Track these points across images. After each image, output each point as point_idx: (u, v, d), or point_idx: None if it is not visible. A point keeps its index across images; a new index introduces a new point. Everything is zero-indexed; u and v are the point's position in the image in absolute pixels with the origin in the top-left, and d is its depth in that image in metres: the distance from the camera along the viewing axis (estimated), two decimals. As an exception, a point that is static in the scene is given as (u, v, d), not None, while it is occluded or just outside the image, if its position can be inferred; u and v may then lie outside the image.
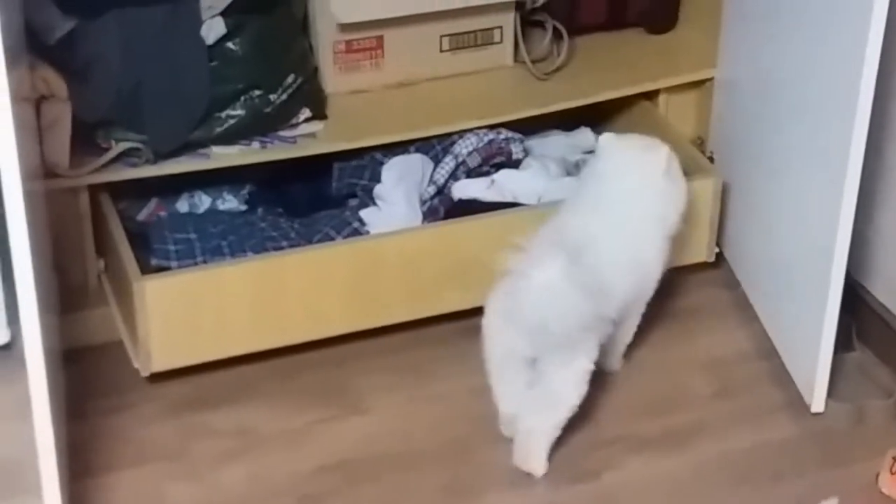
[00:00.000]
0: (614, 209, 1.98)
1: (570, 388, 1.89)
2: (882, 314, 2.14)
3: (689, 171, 2.21)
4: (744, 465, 1.96)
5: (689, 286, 2.26)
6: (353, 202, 2.21)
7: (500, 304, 1.89)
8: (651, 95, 2.38)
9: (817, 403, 2.02)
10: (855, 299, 2.12)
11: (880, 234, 2.13)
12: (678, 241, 2.08)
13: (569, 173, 2.26)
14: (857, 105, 1.82)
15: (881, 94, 1.84)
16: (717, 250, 2.28)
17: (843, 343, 2.04)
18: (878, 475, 1.91)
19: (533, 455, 1.91)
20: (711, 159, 2.33)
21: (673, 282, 2.08)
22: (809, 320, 2.00)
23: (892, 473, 1.90)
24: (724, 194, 2.24)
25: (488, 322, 1.91)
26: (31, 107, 1.95)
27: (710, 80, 2.34)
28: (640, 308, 2.04)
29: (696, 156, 2.29)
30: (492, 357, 1.91)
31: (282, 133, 2.16)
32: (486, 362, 1.92)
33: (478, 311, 2.08)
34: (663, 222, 2.01)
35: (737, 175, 2.25)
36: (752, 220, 2.22)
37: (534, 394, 1.89)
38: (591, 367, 1.89)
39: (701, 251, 2.26)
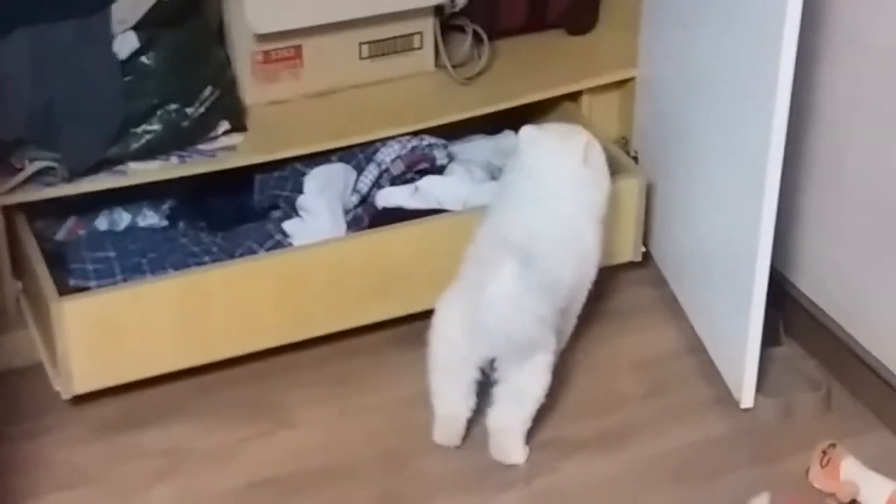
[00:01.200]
0: (548, 203, 1.99)
1: (534, 382, 1.93)
2: (808, 307, 2.16)
3: (613, 171, 2.22)
4: (677, 464, 1.97)
5: (617, 286, 2.27)
6: (275, 214, 2.20)
7: (454, 313, 1.90)
8: (574, 96, 2.39)
9: (746, 399, 2.04)
10: (781, 294, 2.14)
11: (803, 227, 2.15)
12: (604, 241, 2.08)
13: (493, 177, 2.26)
14: (775, 99, 1.83)
15: (798, 85, 1.85)
16: (643, 249, 2.30)
17: (770, 338, 2.06)
18: (808, 469, 1.93)
19: (511, 449, 1.95)
20: (636, 159, 2.35)
21: (601, 282, 2.09)
22: (736, 316, 2.01)
23: (822, 467, 1.91)
24: (648, 193, 2.27)
25: (442, 330, 1.93)
26: None
27: (632, 79, 2.36)
28: (583, 297, 2.06)
29: (621, 155, 2.31)
30: (443, 362, 1.93)
31: (201, 147, 2.14)
32: (434, 367, 1.94)
33: (405, 320, 2.14)
34: (594, 208, 2.02)
35: (661, 173, 2.26)
36: (676, 218, 2.24)
37: (500, 391, 1.92)
38: (552, 357, 1.93)
39: (627, 251, 2.28)
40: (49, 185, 2.04)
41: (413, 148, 2.21)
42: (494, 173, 2.28)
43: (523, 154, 2.02)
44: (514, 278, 1.81)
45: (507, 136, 2.39)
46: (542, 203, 1.98)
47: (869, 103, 1.98)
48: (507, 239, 1.90)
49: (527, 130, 2.03)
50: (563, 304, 1.96)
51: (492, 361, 1.92)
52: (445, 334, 1.92)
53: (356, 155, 2.22)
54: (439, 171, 2.24)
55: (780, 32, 1.78)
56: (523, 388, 1.93)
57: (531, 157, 2.01)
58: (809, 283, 2.17)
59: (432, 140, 2.24)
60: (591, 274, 2.03)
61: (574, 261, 1.98)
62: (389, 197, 2.19)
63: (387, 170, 2.20)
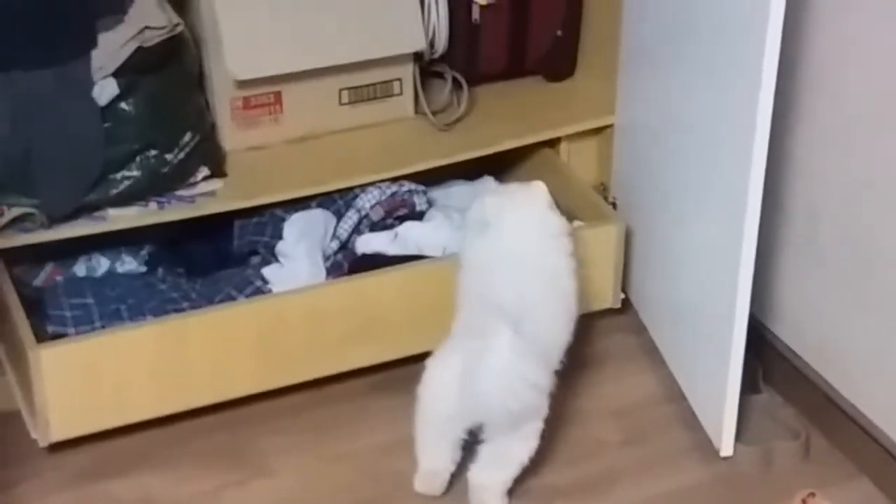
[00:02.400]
0: (531, 262, 1.98)
1: (522, 448, 1.94)
2: (787, 355, 2.17)
3: (592, 218, 2.26)
4: None
5: (596, 332, 2.27)
6: (254, 260, 2.20)
7: (447, 376, 1.90)
8: (552, 143, 2.41)
9: (726, 447, 2.03)
10: (760, 342, 2.14)
11: (782, 275, 2.16)
12: (584, 287, 2.08)
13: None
14: (753, 147, 1.84)
15: (775, 133, 1.86)
16: (622, 296, 2.30)
17: (749, 386, 2.06)
18: None
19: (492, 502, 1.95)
20: (614, 205, 2.35)
21: (580, 328, 2.07)
22: (715, 364, 2.01)
23: None
24: (627, 239, 2.27)
25: (432, 390, 1.92)
26: None
27: (610, 126, 2.36)
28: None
29: (599, 202, 2.32)
30: (431, 421, 1.93)
31: (180, 192, 2.14)
32: (421, 423, 1.94)
33: (384, 366, 2.14)
34: (570, 259, 2.02)
35: (640, 220, 2.27)
36: (655, 265, 2.24)
37: (487, 451, 1.92)
38: (542, 424, 1.92)
39: (606, 297, 2.28)
40: (27, 231, 2.04)
41: (392, 194, 2.22)
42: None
43: (495, 219, 2.01)
44: (510, 349, 1.81)
45: (486, 182, 2.41)
46: (525, 263, 1.97)
47: (845, 151, 1.99)
48: (498, 305, 1.88)
49: (491, 200, 2.05)
50: (557, 365, 1.96)
51: (480, 426, 1.91)
52: (436, 394, 1.91)
53: (336, 201, 2.23)
54: (419, 216, 2.25)
55: (758, 80, 1.79)
56: (510, 452, 1.93)
57: (506, 221, 2.00)
58: (788, 331, 2.17)
59: (412, 186, 2.25)
60: (572, 328, 2.03)
61: (565, 317, 1.99)
62: (369, 243, 2.19)
63: (366, 216, 2.21)
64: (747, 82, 1.82)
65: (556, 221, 2.03)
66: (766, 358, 2.16)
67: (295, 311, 2.07)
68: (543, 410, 1.92)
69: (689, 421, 2.10)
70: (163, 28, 2.04)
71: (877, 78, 1.90)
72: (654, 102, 2.19)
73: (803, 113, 2.03)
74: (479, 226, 2.02)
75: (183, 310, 2.07)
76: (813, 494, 1.92)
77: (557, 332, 1.97)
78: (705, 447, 2.05)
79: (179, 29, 2.08)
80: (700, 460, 2.04)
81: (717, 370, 2.00)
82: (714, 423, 2.04)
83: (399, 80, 2.32)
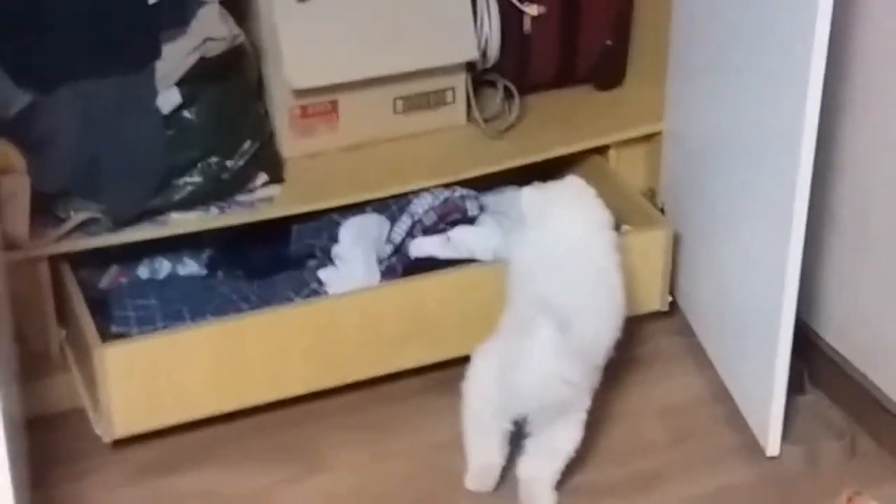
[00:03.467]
0: (583, 261, 1.98)
1: (566, 438, 1.93)
2: (833, 357, 2.15)
3: (640, 223, 2.25)
4: None
5: (645, 335, 2.26)
6: (311, 263, 2.20)
7: (490, 370, 1.90)
8: (602, 150, 2.39)
9: (772, 447, 2.02)
10: (806, 343, 2.12)
11: (828, 279, 2.14)
12: (632, 290, 2.08)
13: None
14: (800, 153, 1.82)
15: (823, 136, 1.85)
16: (670, 299, 2.29)
17: (795, 386, 2.04)
18: None
19: (540, 498, 1.94)
20: (663, 210, 2.34)
21: (629, 330, 2.06)
22: (762, 365, 2.00)
23: None
24: (675, 244, 2.26)
25: (477, 385, 1.92)
26: None
27: (659, 133, 2.35)
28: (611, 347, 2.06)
29: (648, 207, 2.31)
30: (477, 416, 1.93)
31: (239, 198, 2.15)
32: (468, 418, 1.94)
33: (437, 366, 2.12)
34: (617, 251, 2.01)
35: (688, 225, 2.26)
36: (703, 269, 2.23)
37: (532, 444, 1.92)
38: (585, 415, 1.93)
39: (655, 300, 2.27)
40: (93, 235, 2.05)
41: (445, 199, 2.21)
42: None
43: (545, 212, 2.01)
44: (551, 344, 1.80)
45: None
46: (570, 258, 1.97)
47: (893, 153, 1.97)
48: (546, 299, 1.88)
49: (538, 191, 2.05)
50: (601, 361, 1.96)
51: (525, 417, 1.91)
52: (480, 389, 1.91)
53: (390, 206, 2.23)
54: (470, 221, 2.24)
55: (805, 86, 1.78)
56: (555, 443, 1.93)
57: (556, 216, 2.01)
58: (834, 333, 2.15)
59: (464, 192, 2.24)
60: (620, 324, 2.02)
61: (611, 313, 1.98)
62: (422, 247, 2.19)
63: (419, 220, 2.20)
64: (794, 87, 1.81)
65: (600, 214, 2.02)
66: (812, 359, 2.14)
67: (350, 313, 2.07)
68: (585, 403, 1.92)
69: (736, 421, 2.08)
70: (224, 39, 2.05)
71: None
72: (703, 109, 2.18)
73: (851, 116, 2.02)
74: (519, 225, 2.02)
75: (242, 311, 2.07)
76: (859, 493, 1.90)
77: (604, 328, 1.96)
78: (751, 447, 2.04)
79: (240, 40, 2.09)
80: (746, 460, 2.03)
81: (764, 371, 1.99)
82: (760, 423, 2.03)
83: (452, 88, 2.32)
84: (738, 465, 2.03)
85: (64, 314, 2.10)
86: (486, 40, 2.32)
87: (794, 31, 1.80)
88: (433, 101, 2.32)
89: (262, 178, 2.16)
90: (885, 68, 1.95)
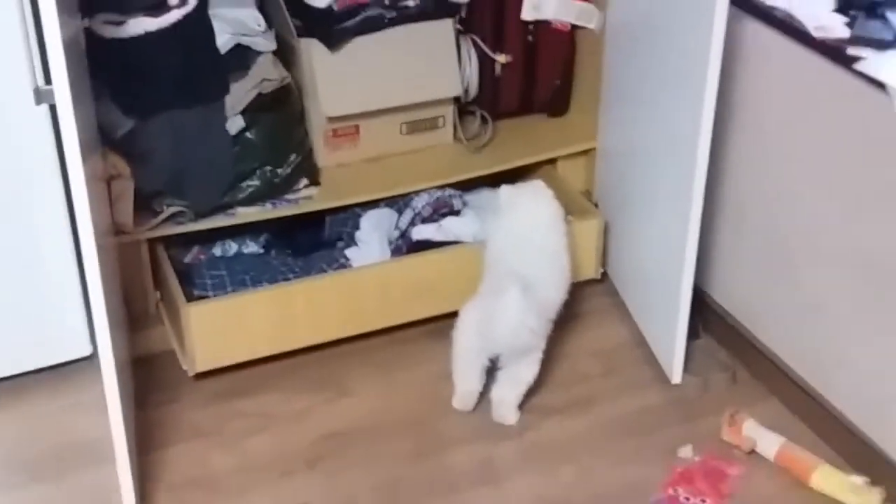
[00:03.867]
0: (542, 241, 1.98)
1: (528, 372, 1.94)
2: (719, 311, 2.15)
3: (580, 214, 2.23)
4: (627, 424, 1.96)
5: (582, 296, 2.24)
6: (340, 244, 2.19)
7: (472, 322, 1.90)
8: (552, 161, 2.38)
9: (676, 377, 2.03)
10: (700, 301, 2.11)
11: (716, 254, 2.13)
12: (575, 263, 2.08)
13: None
14: (696, 163, 1.83)
15: (714, 153, 1.85)
16: (602, 270, 2.28)
17: (692, 333, 2.04)
18: (721, 428, 1.91)
19: (507, 415, 1.94)
20: (596, 205, 2.33)
21: (572, 293, 2.06)
22: (668, 318, 2.00)
23: (730, 426, 1.91)
24: (605, 229, 2.25)
25: (462, 333, 1.92)
26: (104, 184, 1.94)
27: (593, 149, 2.34)
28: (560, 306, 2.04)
29: (585, 203, 2.30)
30: (462, 354, 1.92)
31: (287, 196, 2.15)
32: (455, 357, 1.93)
33: (433, 319, 2.11)
34: (566, 239, 2.02)
35: (614, 215, 2.25)
36: (625, 247, 2.22)
37: (502, 375, 1.92)
38: (541, 355, 1.93)
39: (591, 271, 2.26)
40: (180, 223, 2.06)
41: (438, 197, 2.21)
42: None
43: (512, 206, 2.00)
44: (516, 303, 1.81)
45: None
46: (537, 237, 1.97)
47: (762, 167, 1.97)
48: (513, 270, 1.89)
49: (508, 190, 2.04)
50: (553, 315, 1.96)
51: (498, 356, 1.91)
52: (465, 335, 1.91)
53: (397, 202, 2.22)
54: (456, 213, 2.23)
55: (700, 115, 1.78)
56: (519, 375, 1.93)
57: (521, 208, 2.00)
58: (721, 294, 2.15)
59: (451, 192, 2.23)
60: (566, 288, 2.02)
61: (560, 282, 1.98)
62: (421, 232, 2.18)
63: (419, 213, 2.19)
64: (692, 116, 1.81)
65: (555, 208, 2.02)
66: (704, 313, 2.14)
67: (368, 280, 2.07)
68: (542, 346, 1.92)
69: (649, 359, 2.08)
70: (276, 80, 2.06)
71: (783, 118, 1.90)
72: (625, 131, 2.17)
73: (734, 138, 2.01)
74: (493, 214, 2.01)
75: (289, 279, 2.07)
76: (738, 411, 1.92)
77: (555, 291, 1.96)
78: (661, 378, 2.04)
79: (287, 80, 2.10)
80: (657, 387, 2.03)
81: (669, 322, 1.99)
82: (667, 360, 2.03)
83: (443, 116, 2.30)
84: (651, 392, 2.03)
85: (159, 282, 2.11)
86: (468, 81, 2.31)
87: (691, 73, 1.80)
88: (429, 125, 2.30)
89: (304, 182, 2.16)
90: (757, 108, 1.95)
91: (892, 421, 1.79)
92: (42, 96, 1.75)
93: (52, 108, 1.73)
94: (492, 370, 1.94)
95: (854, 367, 1.85)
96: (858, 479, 1.79)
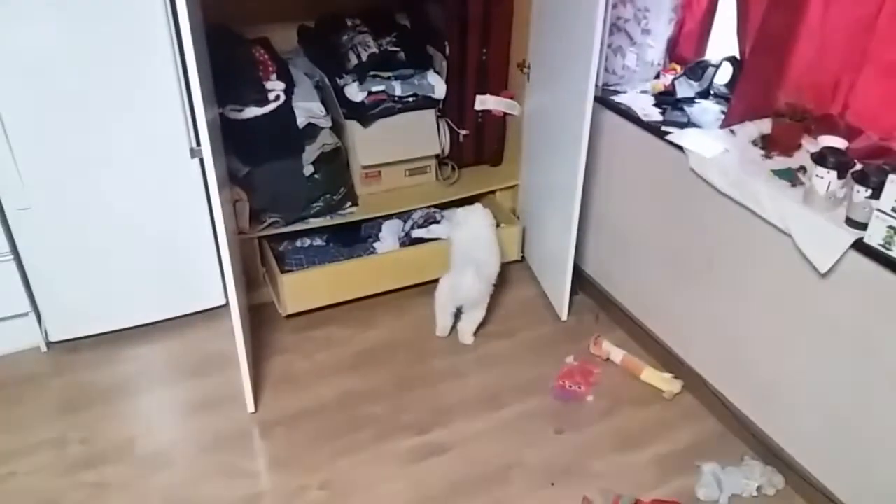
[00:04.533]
0: (484, 239, 1.97)
1: (479, 314, 1.92)
2: (589, 279, 2.14)
3: (508, 223, 2.21)
4: (535, 343, 1.95)
5: (510, 270, 2.21)
6: (370, 240, 2.17)
7: (446, 288, 1.89)
8: (493, 192, 2.32)
9: (563, 316, 2.03)
10: (578, 272, 2.12)
11: (587, 244, 2.13)
12: (504, 251, 2.06)
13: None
14: (575, 193, 1.82)
15: (585, 188, 1.84)
16: (521, 255, 2.26)
17: (573, 291, 2.04)
18: (589, 345, 1.93)
19: (466, 339, 1.92)
20: (518, 217, 2.29)
21: (503, 270, 2.05)
22: (560, 283, 2.00)
23: (595, 345, 1.92)
24: (524, 231, 2.23)
25: (441, 293, 1.91)
26: (231, 204, 1.91)
27: (517, 184, 2.27)
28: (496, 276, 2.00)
29: (511, 217, 2.27)
30: (440, 305, 1.92)
31: (339, 212, 2.11)
32: (436, 306, 1.93)
33: (425, 284, 2.08)
34: (496, 236, 2.00)
35: (528, 223, 2.22)
36: (534, 241, 2.20)
37: (465, 316, 1.92)
38: (486, 304, 1.91)
39: (514, 254, 2.24)
40: (276, 227, 2.03)
41: (426, 213, 2.18)
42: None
43: (466, 218, 1.99)
44: (472, 277, 1.81)
45: (465, 208, 2.31)
46: (481, 236, 1.96)
47: (614, 193, 1.94)
48: (469, 256, 1.89)
49: (463, 209, 2.02)
50: (493, 282, 1.94)
51: (461, 306, 1.91)
52: (442, 295, 1.91)
53: (403, 215, 2.18)
54: (438, 222, 2.19)
55: (577, 165, 1.76)
56: (474, 316, 1.93)
57: (471, 220, 1.99)
58: (590, 267, 2.13)
59: (435, 210, 2.20)
60: (499, 266, 2.01)
61: (496, 262, 1.96)
62: (417, 233, 2.16)
63: (416, 221, 2.17)
64: (573, 166, 1.77)
65: (490, 219, 2.00)
66: (580, 279, 2.12)
67: (387, 261, 2.06)
68: (487, 299, 1.92)
69: (549, 306, 2.08)
70: (332, 144, 2.04)
71: (624, 166, 1.87)
72: (535, 174, 2.14)
73: (596, 180, 2.00)
74: (456, 223, 2.00)
75: (340, 261, 2.05)
76: (599, 336, 1.93)
77: (493, 268, 1.95)
78: (555, 317, 2.05)
79: (338, 144, 2.07)
80: (552, 322, 2.03)
81: (560, 285, 1.99)
82: (559, 306, 2.03)
83: (429, 165, 2.25)
84: (549, 325, 2.03)
85: (264, 261, 2.08)
86: (444, 144, 2.26)
87: (572, 142, 1.78)
88: (421, 170, 2.24)
89: (349, 203, 2.12)
90: (610, 160, 1.93)
91: (686, 339, 1.81)
92: (194, 153, 1.75)
93: (201, 161, 1.74)
94: (458, 314, 1.95)
95: (666, 310, 1.86)
96: (667, 375, 1.83)
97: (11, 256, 1.73)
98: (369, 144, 2.13)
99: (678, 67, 1.91)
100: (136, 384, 1.78)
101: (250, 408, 1.71)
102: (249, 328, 1.90)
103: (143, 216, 1.79)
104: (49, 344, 1.86)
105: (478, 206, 2.07)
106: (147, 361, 1.85)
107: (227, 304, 1.88)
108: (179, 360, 1.87)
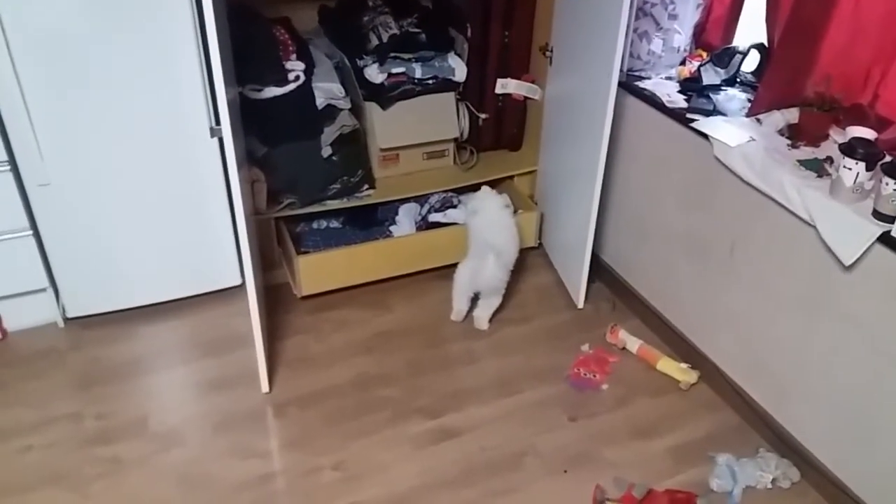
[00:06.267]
0: (501, 224, 1.95)
1: (496, 300, 1.93)
2: (607, 267, 2.14)
3: (526, 209, 2.20)
4: (552, 331, 1.97)
5: (527, 257, 2.21)
6: (387, 223, 2.17)
7: (465, 272, 1.89)
8: (512, 177, 2.31)
9: (580, 304, 2.04)
10: (595, 260, 2.11)
11: (606, 232, 2.12)
12: (522, 237, 2.06)
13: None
14: (596, 173, 1.81)
15: (606, 174, 1.84)
16: (539, 241, 2.25)
17: (590, 279, 2.05)
18: (605, 334, 1.93)
19: (482, 324, 1.93)
20: (536, 203, 2.28)
21: (521, 256, 2.05)
22: (577, 270, 2.00)
23: (611, 333, 1.92)
24: (541, 218, 2.22)
25: (459, 278, 1.91)
26: (249, 184, 1.92)
27: (535, 170, 2.26)
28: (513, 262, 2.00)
29: (530, 202, 2.26)
30: (458, 290, 1.92)
31: (356, 195, 2.09)
32: (454, 291, 1.92)
33: (442, 268, 2.08)
34: (514, 220, 1.99)
35: (546, 209, 2.21)
36: (552, 228, 2.19)
37: (481, 302, 1.92)
38: (503, 291, 1.91)
39: (531, 241, 2.23)
40: (293, 208, 2.03)
41: (444, 197, 2.18)
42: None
43: (484, 202, 1.98)
44: (493, 264, 1.81)
45: (483, 191, 2.30)
46: (499, 222, 1.95)
47: (635, 180, 1.95)
48: (488, 241, 1.88)
49: (483, 191, 2.02)
50: (511, 268, 1.93)
51: (479, 292, 1.91)
52: (460, 280, 1.90)
53: (420, 199, 2.18)
54: (455, 207, 2.19)
55: (598, 151, 1.75)
56: (491, 302, 1.93)
57: (486, 205, 1.97)
58: (608, 256, 2.13)
59: (451, 194, 2.20)
60: (517, 252, 2.00)
61: (515, 249, 1.95)
62: (434, 217, 2.16)
63: (433, 205, 2.17)
64: (594, 152, 1.79)
65: (505, 201, 1.98)
66: (598, 267, 2.12)
67: (404, 244, 2.06)
68: (504, 286, 1.91)
69: (566, 293, 2.08)
70: (351, 126, 2.03)
71: (647, 153, 1.88)
72: (554, 160, 2.14)
73: (617, 166, 1.99)
74: (471, 210, 1.99)
75: (356, 243, 2.05)
76: (616, 324, 1.93)
77: (512, 255, 1.95)
78: (571, 305, 2.05)
79: (357, 126, 2.06)
80: (569, 310, 2.03)
81: (578, 272, 1.99)
82: (576, 294, 2.04)
83: (448, 148, 2.23)
84: (565, 312, 2.03)
85: (281, 242, 2.09)
86: (463, 128, 2.25)
87: (594, 126, 1.77)
88: (439, 154, 2.23)
89: (366, 186, 2.10)
90: (632, 147, 1.92)
91: (704, 329, 1.81)
92: (214, 132, 1.75)
93: (220, 140, 1.75)
94: (474, 299, 1.95)
95: (684, 300, 1.86)
96: (684, 365, 1.83)
97: (31, 232, 1.75)
98: (388, 127, 2.11)
99: (704, 54, 1.89)
100: (151, 362, 1.80)
101: (265, 388, 1.72)
102: (265, 309, 1.90)
103: (161, 195, 1.80)
104: (66, 320, 1.89)
105: (486, 189, 2.04)
106: (163, 339, 1.87)
107: (243, 284, 1.89)
108: (195, 339, 1.88)
